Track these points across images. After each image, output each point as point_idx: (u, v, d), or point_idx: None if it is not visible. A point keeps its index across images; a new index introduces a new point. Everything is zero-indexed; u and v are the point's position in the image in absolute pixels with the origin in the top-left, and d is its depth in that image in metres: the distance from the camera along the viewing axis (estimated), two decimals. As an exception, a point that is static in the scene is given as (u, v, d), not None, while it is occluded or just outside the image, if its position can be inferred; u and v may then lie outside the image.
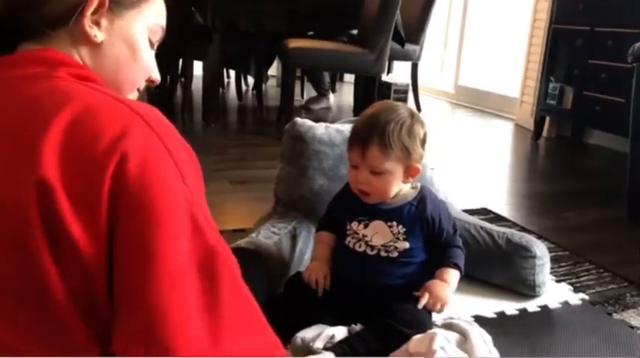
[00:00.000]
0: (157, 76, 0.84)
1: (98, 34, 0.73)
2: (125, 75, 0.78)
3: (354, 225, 1.24)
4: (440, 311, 1.19)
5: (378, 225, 1.22)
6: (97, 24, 0.73)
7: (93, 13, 0.72)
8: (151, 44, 0.81)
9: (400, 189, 1.23)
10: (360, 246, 1.23)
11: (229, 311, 0.63)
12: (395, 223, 1.21)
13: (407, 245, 1.22)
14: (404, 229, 1.21)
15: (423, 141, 1.23)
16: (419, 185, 1.27)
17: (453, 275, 1.22)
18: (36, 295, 0.58)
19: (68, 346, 0.60)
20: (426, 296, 1.18)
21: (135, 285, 0.59)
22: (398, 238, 1.21)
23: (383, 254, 1.22)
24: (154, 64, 0.83)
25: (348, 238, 1.25)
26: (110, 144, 0.59)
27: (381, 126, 1.17)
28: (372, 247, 1.22)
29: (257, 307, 0.68)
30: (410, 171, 1.21)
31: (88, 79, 0.70)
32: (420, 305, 1.17)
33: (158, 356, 0.58)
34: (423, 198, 1.24)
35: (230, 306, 0.63)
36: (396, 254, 1.22)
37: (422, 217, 1.22)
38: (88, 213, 0.58)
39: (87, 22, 0.72)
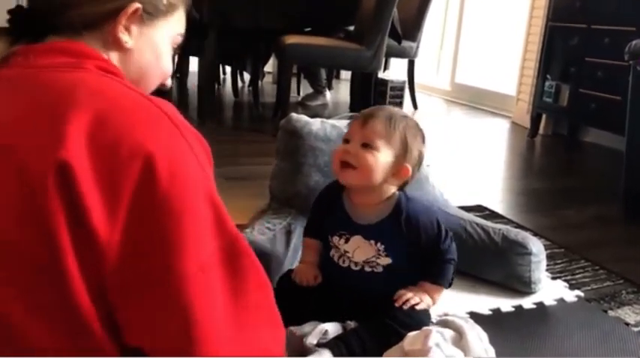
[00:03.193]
0: (169, 82, 0.89)
1: (128, 40, 0.76)
2: (147, 80, 0.82)
3: (335, 239, 1.21)
4: (410, 305, 1.16)
5: (358, 240, 1.19)
6: (128, 30, 0.76)
7: (126, 20, 0.75)
8: (172, 51, 0.85)
9: (382, 190, 1.18)
10: (343, 262, 1.21)
11: (253, 304, 0.66)
12: (374, 241, 1.18)
13: (389, 260, 1.19)
14: (383, 246, 1.18)
15: (420, 155, 1.21)
16: (396, 195, 1.20)
17: (435, 292, 1.21)
18: (49, 270, 0.58)
19: (79, 329, 0.60)
20: (407, 294, 1.17)
21: (162, 279, 0.60)
22: (380, 254, 1.19)
23: (367, 269, 1.20)
24: (171, 69, 0.86)
25: (332, 251, 1.23)
26: (138, 141, 0.61)
27: (389, 110, 1.19)
28: (356, 263, 1.20)
29: (273, 296, 0.70)
30: (399, 170, 1.16)
31: (113, 73, 0.72)
32: (398, 303, 1.16)
33: (186, 349, 0.60)
34: (398, 213, 1.18)
35: (254, 294, 0.66)
36: (380, 269, 1.19)
37: (399, 231, 1.18)
38: (109, 200, 0.58)
39: (120, 28, 0.74)
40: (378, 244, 1.18)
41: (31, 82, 0.67)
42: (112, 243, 0.58)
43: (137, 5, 0.75)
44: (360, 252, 1.19)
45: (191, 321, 0.60)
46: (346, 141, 1.18)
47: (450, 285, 1.24)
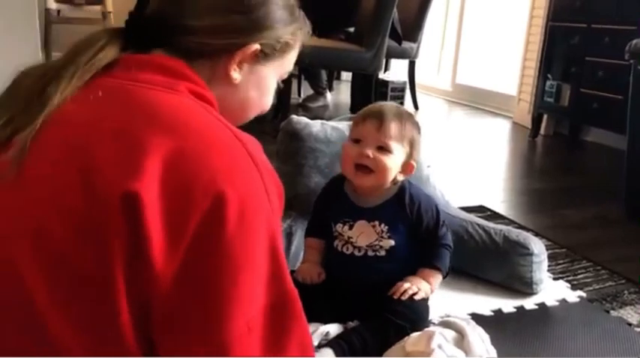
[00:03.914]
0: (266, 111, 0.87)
1: (238, 77, 0.75)
2: (247, 114, 0.82)
3: (339, 226, 1.24)
4: (409, 295, 1.17)
5: (362, 225, 1.22)
6: (240, 67, 0.75)
7: (241, 58, 0.74)
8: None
9: (388, 183, 1.22)
10: (347, 249, 1.23)
11: None
12: (377, 222, 1.21)
13: (392, 242, 1.21)
14: (386, 227, 1.21)
15: (419, 146, 1.25)
16: (400, 179, 1.25)
17: (433, 278, 1.22)
18: (99, 291, 0.57)
19: (115, 346, 0.59)
20: (405, 285, 1.17)
21: (209, 329, 0.59)
22: (382, 237, 1.21)
23: (370, 253, 1.22)
24: (269, 105, 0.86)
25: (336, 241, 1.25)
26: (214, 179, 0.59)
27: (397, 110, 1.21)
28: (359, 248, 1.22)
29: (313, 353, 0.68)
30: (406, 168, 1.22)
31: (206, 100, 0.71)
32: (396, 295, 1.16)
33: None
34: (402, 192, 1.23)
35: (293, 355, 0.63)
36: (383, 253, 1.22)
37: (402, 212, 1.22)
38: (172, 235, 0.57)
39: (233, 64, 0.74)
40: (382, 225, 1.20)
41: (124, 96, 0.65)
42: (166, 277, 0.57)
43: (257, 47, 0.74)
44: (363, 236, 1.22)
45: None
46: (357, 141, 1.19)
47: (446, 275, 1.25)
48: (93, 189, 0.58)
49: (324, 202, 1.30)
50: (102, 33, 0.71)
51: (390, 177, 1.20)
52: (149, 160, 0.58)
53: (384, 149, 1.17)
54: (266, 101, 0.83)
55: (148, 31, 0.72)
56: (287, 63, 0.82)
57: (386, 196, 1.23)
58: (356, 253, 1.22)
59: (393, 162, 1.18)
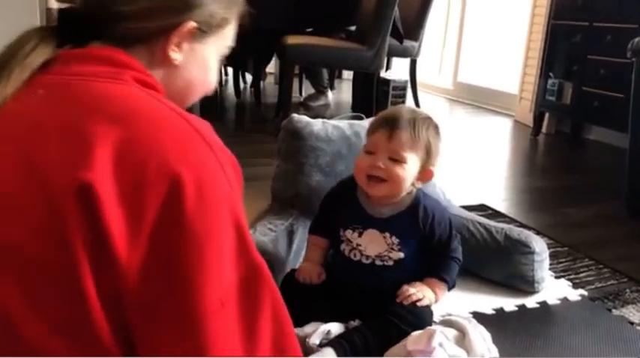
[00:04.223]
0: (212, 90, 0.87)
1: (178, 57, 0.75)
2: (192, 94, 0.82)
3: (348, 232, 1.22)
4: (412, 300, 1.16)
5: (372, 233, 1.20)
6: (179, 47, 0.74)
7: (178, 37, 0.74)
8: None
9: (404, 191, 1.19)
10: (355, 255, 1.22)
11: (266, 337, 0.63)
12: (388, 234, 1.19)
13: (401, 255, 1.20)
14: (397, 240, 1.19)
15: (438, 150, 1.21)
16: (414, 191, 1.22)
17: (439, 288, 1.21)
18: (66, 284, 0.57)
19: (91, 343, 0.59)
20: (410, 290, 1.17)
21: (182, 310, 0.59)
22: (392, 248, 1.19)
23: (378, 263, 1.20)
24: (215, 82, 0.85)
25: (343, 245, 1.23)
26: (167, 161, 0.59)
27: (409, 117, 1.17)
28: (367, 257, 1.21)
29: (293, 330, 0.68)
30: (424, 174, 1.19)
31: (151, 86, 0.71)
32: (400, 298, 1.16)
33: None
34: (416, 205, 1.20)
35: (268, 331, 0.64)
36: (391, 263, 1.20)
37: (414, 225, 1.20)
38: (132, 222, 0.57)
39: (171, 46, 0.73)
40: (393, 238, 1.19)
41: (67, 92, 0.65)
42: (132, 264, 0.57)
43: (192, 24, 0.73)
44: (373, 245, 1.20)
45: (206, 354, 0.59)
46: (369, 152, 1.17)
47: (452, 287, 1.24)
48: (46, 186, 0.58)
49: (333, 204, 1.27)
50: (32, 33, 0.71)
51: (405, 187, 1.18)
52: (98, 150, 0.58)
53: (396, 159, 1.15)
54: (210, 80, 0.82)
55: (81, 25, 0.72)
56: (226, 39, 0.81)
57: (399, 208, 1.20)
58: (363, 261, 1.21)
59: (407, 172, 1.15)
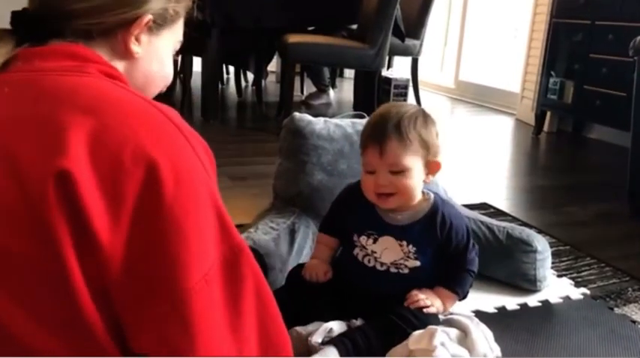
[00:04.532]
0: (169, 83, 0.89)
1: (139, 51, 0.77)
2: (151, 88, 0.83)
3: (363, 239, 1.19)
4: (420, 306, 1.15)
5: (387, 240, 1.17)
6: (138, 40, 0.76)
7: (137, 30, 0.75)
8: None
9: (418, 193, 1.17)
10: (369, 261, 1.19)
11: (250, 313, 0.65)
12: (405, 242, 1.16)
13: (417, 263, 1.17)
14: (414, 248, 1.16)
15: (437, 135, 1.17)
16: (432, 197, 1.20)
17: (449, 300, 1.20)
18: (53, 279, 0.58)
19: (83, 334, 0.60)
20: (419, 295, 1.16)
21: (166, 291, 0.60)
22: (409, 257, 1.17)
23: (393, 270, 1.18)
24: (172, 75, 0.87)
25: (356, 249, 1.21)
26: (141, 146, 0.60)
27: (394, 120, 1.11)
28: (382, 263, 1.18)
29: (276, 306, 0.69)
30: (431, 167, 1.15)
31: (116, 78, 0.72)
32: (407, 303, 1.15)
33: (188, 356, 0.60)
34: (434, 212, 1.17)
35: (252, 307, 0.65)
36: (406, 271, 1.18)
37: (432, 234, 1.17)
38: (112, 207, 0.58)
39: (131, 38, 0.75)
40: (410, 246, 1.16)
41: (33, 87, 0.66)
42: (116, 250, 0.58)
43: (150, 16, 0.75)
44: (388, 253, 1.18)
45: (193, 332, 0.60)
46: (370, 172, 1.14)
47: (464, 298, 1.23)
48: (23, 180, 0.58)
49: (345, 210, 1.24)
50: None
51: (416, 193, 1.15)
52: (73, 138, 0.58)
53: (397, 171, 1.11)
54: (166, 73, 0.84)
55: (38, 24, 0.73)
56: (178, 32, 0.83)
57: (417, 215, 1.17)
58: (378, 267, 1.18)
59: (413, 179, 1.12)
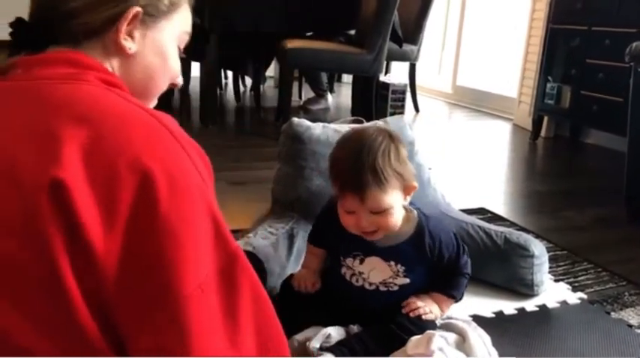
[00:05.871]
0: (180, 81, 0.86)
1: (132, 46, 0.75)
2: (155, 83, 0.81)
3: (349, 260, 1.18)
4: (419, 314, 1.16)
5: (374, 260, 1.16)
6: (131, 35, 0.75)
7: (127, 25, 0.74)
8: (179, 50, 0.83)
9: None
10: (357, 281, 1.18)
11: (248, 320, 0.65)
12: (393, 262, 1.16)
13: (407, 281, 1.17)
14: (403, 268, 1.16)
15: (406, 156, 1.13)
16: (415, 213, 1.17)
17: (446, 304, 1.21)
18: (48, 285, 0.58)
19: (79, 340, 0.60)
20: (417, 302, 1.17)
21: (161, 299, 0.60)
22: (398, 275, 1.17)
23: (382, 289, 1.18)
24: (180, 68, 0.85)
25: (343, 269, 1.20)
26: (137, 157, 0.60)
27: (369, 164, 1.06)
28: (370, 283, 1.18)
29: (273, 311, 0.69)
30: (407, 191, 1.12)
31: (115, 85, 0.71)
32: (405, 310, 1.15)
33: None
34: (421, 232, 1.15)
35: (249, 314, 0.65)
36: (396, 288, 1.18)
37: (421, 253, 1.15)
38: (106, 216, 0.58)
39: (122, 35, 0.74)
40: (398, 266, 1.16)
41: (30, 95, 0.66)
42: (110, 258, 0.58)
43: (137, 9, 0.73)
44: (376, 273, 1.17)
45: (190, 339, 0.60)
46: (351, 212, 1.10)
47: (460, 299, 1.24)
48: (18, 187, 0.58)
49: (331, 231, 1.19)
50: None
51: (399, 222, 1.12)
52: (67, 148, 0.59)
53: (378, 212, 1.08)
54: (171, 66, 0.81)
55: (34, 34, 0.73)
56: (179, 22, 0.81)
57: (402, 237, 1.15)
58: (367, 287, 1.18)
59: (394, 215, 1.09)
